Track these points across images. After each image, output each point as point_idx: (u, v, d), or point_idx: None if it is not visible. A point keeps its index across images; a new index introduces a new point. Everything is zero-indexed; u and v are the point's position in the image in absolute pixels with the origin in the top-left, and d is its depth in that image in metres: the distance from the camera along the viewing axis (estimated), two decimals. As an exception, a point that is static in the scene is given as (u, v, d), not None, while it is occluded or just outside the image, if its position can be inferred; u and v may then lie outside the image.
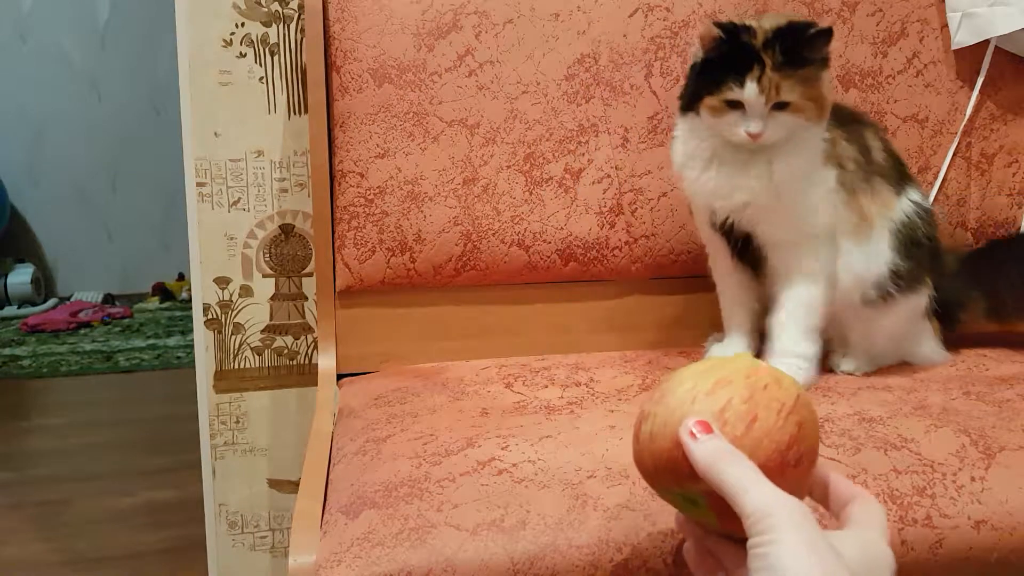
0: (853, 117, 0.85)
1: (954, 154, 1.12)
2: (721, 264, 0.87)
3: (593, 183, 0.99)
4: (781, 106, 0.72)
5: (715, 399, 0.40)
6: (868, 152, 0.82)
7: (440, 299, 0.96)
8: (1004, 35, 1.09)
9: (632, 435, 0.44)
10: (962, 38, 1.10)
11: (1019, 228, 1.17)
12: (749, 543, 0.37)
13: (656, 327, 1.03)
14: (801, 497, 0.41)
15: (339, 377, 0.95)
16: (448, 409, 0.75)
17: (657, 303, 1.03)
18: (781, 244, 0.79)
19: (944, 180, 1.12)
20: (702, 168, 0.77)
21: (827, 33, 0.72)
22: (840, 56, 1.04)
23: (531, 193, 0.96)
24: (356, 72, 0.92)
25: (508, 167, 0.95)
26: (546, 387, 0.81)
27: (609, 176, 0.99)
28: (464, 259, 0.95)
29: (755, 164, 0.75)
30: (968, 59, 1.12)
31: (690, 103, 0.77)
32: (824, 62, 0.74)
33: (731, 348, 0.88)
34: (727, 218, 0.78)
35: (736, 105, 0.72)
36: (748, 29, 0.72)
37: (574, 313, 1.00)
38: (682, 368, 0.44)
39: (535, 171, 0.96)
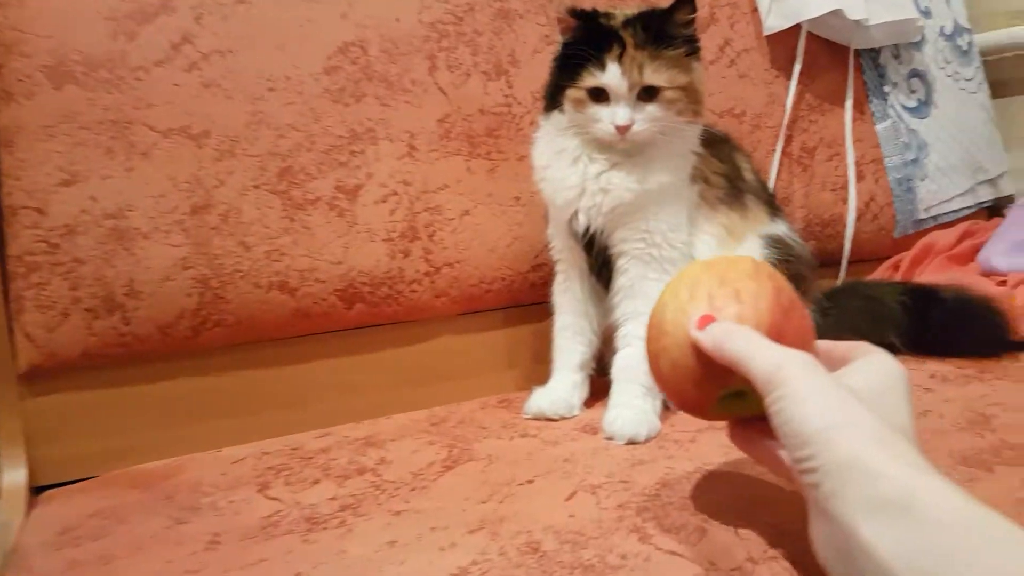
0: (722, 139, 0.79)
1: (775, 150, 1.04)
2: (573, 281, 0.75)
3: (376, 203, 0.79)
4: (649, 94, 0.65)
5: (699, 300, 0.43)
6: (738, 171, 0.77)
7: (176, 370, 0.71)
8: (815, 19, 1.01)
9: (659, 385, 0.45)
10: (773, 23, 1.02)
11: (846, 225, 1.10)
12: (765, 403, 0.37)
13: (470, 373, 0.84)
14: (810, 345, 0.43)
15: (40, 490, 0.67)
16: (162, 542, 0.51)
17: (469, 343, 0.85)
18: (638, 258, 0.68)
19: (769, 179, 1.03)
20: (569, 167, 0.68)
21: (687, 3, 0.64)
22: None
23: (292, 220, 0.74)
24: (24, 71, 0.67)
25: (255, 187, 0.73)
26: (316, 483, 0.59)
27: (396, 193, 0.80)
28: (203, 313, 0.71)
29: (627, 166, 0.67)
30: (782, 46, 1.04)
31: (553, 99, 0.68)
32: (693, 49, 0.67)
33: (558, 390, 0.72)
34: (589, 226, 0.68)
35: (601, 96, 0.65)
36: (606, 14, 0.67)
37: (365, 368, 0.79)
38: (653, 307, 0.45)
39: (294, 191, 0.74)
